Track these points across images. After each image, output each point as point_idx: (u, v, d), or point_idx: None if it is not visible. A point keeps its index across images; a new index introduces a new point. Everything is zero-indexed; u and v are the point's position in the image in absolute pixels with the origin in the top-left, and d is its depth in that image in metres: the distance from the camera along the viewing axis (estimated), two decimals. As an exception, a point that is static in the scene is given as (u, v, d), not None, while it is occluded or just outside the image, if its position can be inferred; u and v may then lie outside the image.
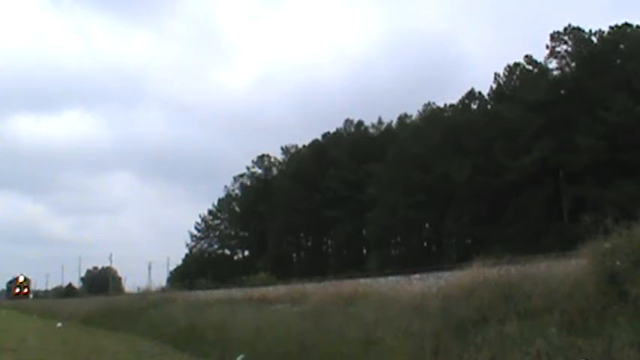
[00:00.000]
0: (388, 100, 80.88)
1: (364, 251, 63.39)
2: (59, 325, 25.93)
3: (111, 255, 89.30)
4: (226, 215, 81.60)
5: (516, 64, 53.45)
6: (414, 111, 63.84)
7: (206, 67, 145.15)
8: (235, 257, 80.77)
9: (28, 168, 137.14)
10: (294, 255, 73.90)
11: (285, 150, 77.95)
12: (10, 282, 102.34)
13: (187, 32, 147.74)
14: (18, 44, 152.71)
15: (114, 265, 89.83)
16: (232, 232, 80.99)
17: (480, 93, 57.08)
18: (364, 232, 62.86)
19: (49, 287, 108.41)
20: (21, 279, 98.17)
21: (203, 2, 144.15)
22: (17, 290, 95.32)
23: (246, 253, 79.32)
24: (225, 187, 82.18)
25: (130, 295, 35.77)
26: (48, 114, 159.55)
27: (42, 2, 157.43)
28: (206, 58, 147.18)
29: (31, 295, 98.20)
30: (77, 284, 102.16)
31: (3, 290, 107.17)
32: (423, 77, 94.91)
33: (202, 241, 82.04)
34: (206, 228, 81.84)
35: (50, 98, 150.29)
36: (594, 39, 49.70)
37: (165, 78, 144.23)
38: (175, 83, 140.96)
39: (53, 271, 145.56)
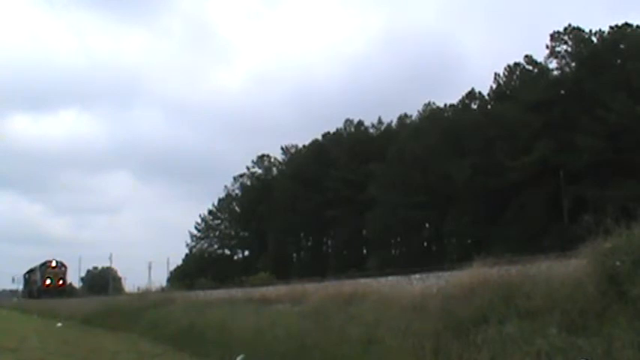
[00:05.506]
0: (388, 100, 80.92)
1: (364, 251, 63.39)
2: (59, 325, 25.91)
3: (111, 255, 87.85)
4: (226, 215, 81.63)
5: (516, 64, 53.54)
6: (414, 111, 64.09)
7: (204, 66, 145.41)
8: (235, 257, 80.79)
9: (25, 168, 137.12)
10: (294, 255, 73.89)
11: (285, 150, 78.10)
12: (31, 271, 71.44)
13: (184, 31, 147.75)
14: (13, 44, 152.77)
15: (114, 265, 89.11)
16: (232, 232, 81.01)
17: (480, 93, 57.19)
18: (364, 232, 62.89)
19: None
20: (53, 264, 66.98)
21: (199, 0, 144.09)
22: (48, 282, 64.52)
23: (246, 253, 79.34)
24: (225, 187, 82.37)
25: (129, 295, 35.67)
26: (45, 114, 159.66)
27: (37, 1, 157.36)
28: (203, 57, 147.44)
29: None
30: (77, 284, 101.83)
31: (4, 291, 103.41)
32: (422, 77, 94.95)
33: (202, 241, 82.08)
34: (206, 228, 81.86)
35: (47, 98, 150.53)
36: (594, 39, 49.75)
37: (163, 77, 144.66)
38: (173, 82, 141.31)
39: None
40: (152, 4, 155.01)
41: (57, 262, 67.64)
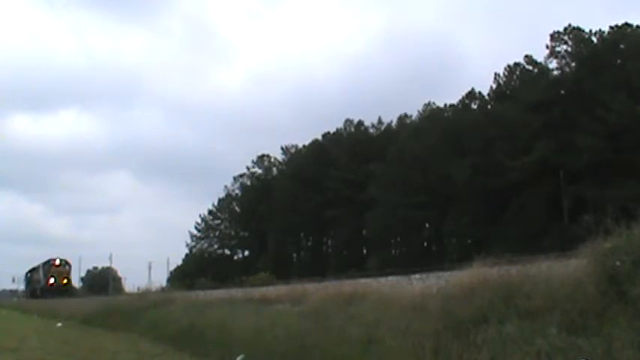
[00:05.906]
0: (388, 100, 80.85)
1: (364, 251, 63.40)
2: (59, 325, 25.90)
3: (111, 255, 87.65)
4: (226, 215, 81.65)
5: (516, 64, 53.56)
6: (414, 111, 64.11)
7: (204, 65, 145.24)
8: (235, 257, 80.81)
9: (25, 168, 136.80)
10: (294, 255, 73.91)
11: (285, 150, 78.14)
12: (34, 270, 68.50)
13: (184, 31, 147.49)
14: (13, 44, 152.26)
15: (114, 265, 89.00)
16: (232, 232, 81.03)
17: (480, 93, 57.21)
18: (364, 232, 62.90)
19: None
20: (57, 262, 63.98)
21: (199, 0, 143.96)
22: (52, 281, 61.71)
23: (246, 253, 79.36)
24: (225, 187, 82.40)
25: (129, 295, 35.67)
26: (45, 114, 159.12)
27: (37, 1, 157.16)
28: (203, 56, 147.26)
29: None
30: (77, 284, 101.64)
31: (4, 291, 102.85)
32: (422, 77, 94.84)
33: (202, 241, 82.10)
34: (206, 228, 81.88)
35: (47, 98, 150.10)
36: (594, 39, 49.77)
37: (163, 77, 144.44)
38: (173, 82, 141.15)
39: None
40: (152, 4, 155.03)
41: (61, 260, 64.85)
